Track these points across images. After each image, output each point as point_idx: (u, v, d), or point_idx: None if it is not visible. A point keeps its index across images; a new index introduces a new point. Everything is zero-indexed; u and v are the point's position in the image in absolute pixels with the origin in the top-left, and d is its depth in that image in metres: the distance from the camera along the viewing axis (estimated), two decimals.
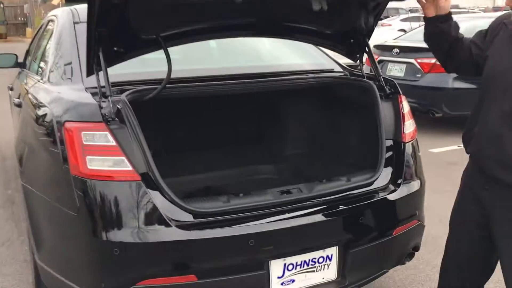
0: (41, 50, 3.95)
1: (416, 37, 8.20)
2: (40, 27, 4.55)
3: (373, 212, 2.65)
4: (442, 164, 6.06)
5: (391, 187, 2.76)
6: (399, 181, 2.78)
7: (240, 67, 3.32)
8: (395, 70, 8.12)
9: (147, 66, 3.09)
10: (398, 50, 8.30)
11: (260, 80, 2.99)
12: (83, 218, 2.28)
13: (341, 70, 3.42)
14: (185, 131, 3.81)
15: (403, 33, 12.32)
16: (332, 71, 3.38)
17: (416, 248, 2.93)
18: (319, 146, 3.71)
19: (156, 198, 2.27)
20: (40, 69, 3.61)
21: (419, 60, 7.93)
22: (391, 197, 2.71)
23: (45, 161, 2.63)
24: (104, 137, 2.28)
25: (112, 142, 2.27)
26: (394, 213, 2.76)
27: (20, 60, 4.95)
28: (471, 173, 2.36)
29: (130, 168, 2.26)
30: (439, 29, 2.29)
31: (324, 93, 3.41)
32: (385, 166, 2.76)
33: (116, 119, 2.33)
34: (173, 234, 2.25)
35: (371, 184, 2.70)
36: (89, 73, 2.51)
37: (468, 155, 2.38)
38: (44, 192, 2.59)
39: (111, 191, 2.24)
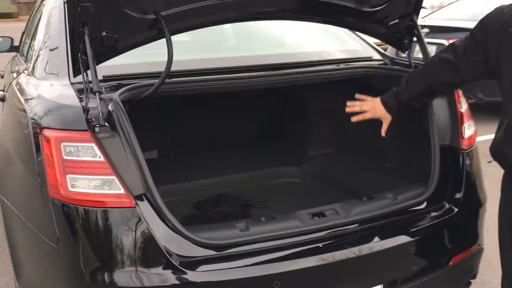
0: (31, 33, 3.45)
1: (448, 15, 7.60)
2: (36, 4, 4.04)
3: (426, 239, 2.14)
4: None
5: (447, 206, 2.23)
6: (457, 196, 2.26)
7: (259, 56, 2.77)
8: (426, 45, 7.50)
9: (151, 55, 2.58)
10: (428, 30, 7.65)
11: (282, 73, 2.45)
12: (63, 251, 1.80)
13: (381, 57, 2.86)
14: (195, 129, 3.30)
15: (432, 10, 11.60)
16: (369, 59, 2.83)
17: (474, 276, 2.41)
18: (350, 146, 3.19)
19: (156, 228, 1.78)
20: (28, 56, 3.12)
21: (450, 41, 7.29)
22: (449, 219, 2.19)
23: (21, 174, 2.15)
24: (89, 150, 1.78)
25: (99, 156, 1.77)
26: (452, 238, 2.24)
27: (17, 43, 4.46)
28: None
29: (122, 190, 1.76)
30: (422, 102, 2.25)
31: (359, 86, 2.86)
32: (440, 180, 2.23)
33: (107, 125, 1.84)
34: (177, 275, 1.76)
35: (423, 202, 2.18)
36: (74, 64, 2.00)
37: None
38: (22, 212, 2.11)
39: (98, 220, 1.75)
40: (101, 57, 2.03)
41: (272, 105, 3.38)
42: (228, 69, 2.46)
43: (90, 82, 1.90)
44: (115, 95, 1.95)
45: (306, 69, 2.56)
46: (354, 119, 2.37)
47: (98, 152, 1.77)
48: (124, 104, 2.16)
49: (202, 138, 3.37)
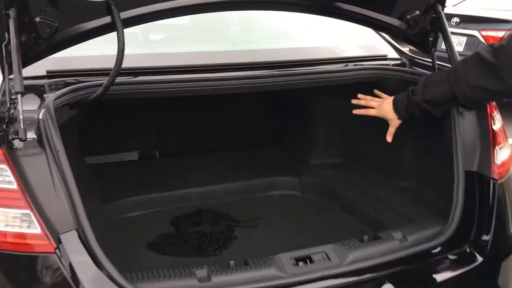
0: None
1: (481, 4, 6.98)
2: None
3: None
4: None
5: (470, 252, 1.77)
6: (483, 240, 1.79)
7: (250, 51, 2.31)
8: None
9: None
10: (458, 20, 7.07)
11: (275, 75, 2.01)
12: None
13: (398, 56, 2.37)
14: (181, 129, 2.90)
15: None
16: (384, 58, 2.34)
17: None
18: (358, 157, 2.73)
19: (84, 278, 1.36)
20: None
21: (483, 33, 6.72)
22: (471, 271, 1.72)
23: None
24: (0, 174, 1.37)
25: (11, 182, 1.36)
26: None
27: None
28: None
29: (38, 229, 1.34)
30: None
31: (371, 89, 2.39)
32: (463, 215, 1.77)
33: (30, 138, 1.42)
34: None
35: (438, 246, 1.72)
36: None
37: None
38: None
39: (4, 270, 1.34)
40: (35, 51, 1.60)
41: (270, 106, 2.93)
42: (211, 67, 2.02)
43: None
44: (49, 99, 1.54)
45: (305, 69, 2.10)
46: (355, 111, 2.13)
47: (11, 177, 1.36)
48: (70, 107, 1.76)
49: (189, 140, 2.96)
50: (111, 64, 1.63)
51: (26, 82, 1.70)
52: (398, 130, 2.40)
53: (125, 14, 1.63)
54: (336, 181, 2.71)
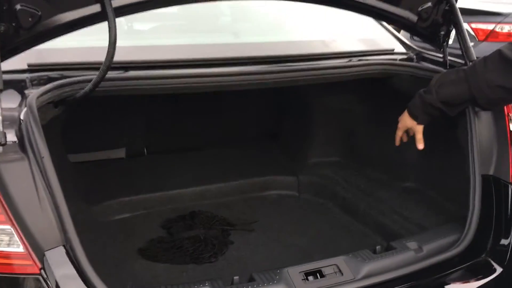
0: None
1: None
2: None
3: None
4: None
5: (487, 261, 1.66)
6: (502, 247, 1.68)
7: (248, 44, 2.15)
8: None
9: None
10: None
11: (273, 70, 1.87)
12: None
13: (405, 51, 2.24)
14: (172, 125, 2.73)
15: None
16: (391, 52, 2.21)
17: None
18: (360, 155, 2.62)
19: None
20: None
21: (473, 25, 6.65)
22: (491, 281, 1.61)
23: None
24: None
25: None
26: None
27: None
28: None
29: (20, 247, 1.18)
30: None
31: (377, 86, 2.26)
32: (480, 223, 1.66)
33: (11, 142, 1.26)
34: None
35: (457, 256, 1.60)
36: None
37: None
38: None
39: None
40: (15, 42, 1.43)
41: (267, 101, 2.79)
42: (207, 61, 1.86)
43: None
44: (31, 97, 1.37)
45: (306, 65, 1.95)
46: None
47: None
48: (55, 105, 1.59)
49: (180, 136, 2.80)
50: (100, 57, 1.47)
51: (5, 77, 1.53)
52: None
53: (117, 2, 1.46)
54: (336, 180, 2.59)
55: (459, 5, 1.92)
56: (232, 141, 2.83)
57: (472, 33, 6.59)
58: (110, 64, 1.43)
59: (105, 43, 1.45)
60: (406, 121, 1.85)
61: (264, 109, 2.86)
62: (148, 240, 2.20)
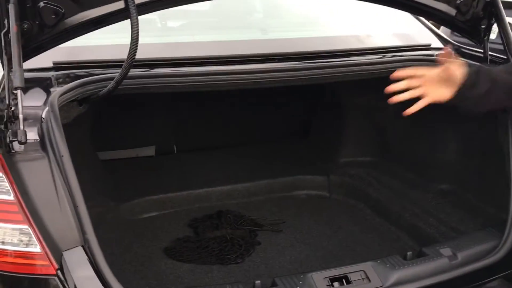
0: None
1: None
2: None
3: None
4: None
5: None
6: None
7: (277, 40, 2.10)
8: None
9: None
10: None
11: (304, 67, 1.82)
12: None
13: (442, 46, 2.14)
14: (202, 123, 2.72)
15: None
16: (427, 47, 2.11)
17: None
18: (394, 155, 2.53)
19: None
20: None
21: None
22: None
23: None
24: None
25: (8, 192, 1.19)
26: None
27: None
28: None
29: (37, 247, 1.17)
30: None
31: None
32: None
33: (33, 140, 1.25)
34: None
35: (495, 264, 1.51)
36: None
37: None
38: None
39: None
40: (39, 40, 1.42)
41: (295, 98, 2.72)
42: (234, 58, 1.82)
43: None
44: (53, 95, 1.36)
45: (338, 61, 1.88)
46: (394, 99, 1.44)
47: (8, 186, 1.19)
48: (79, 103, 1.58)
49: (208, 135, 2.77)
50: (124, 55, 1.44)
51: (31, 75, 1.55)
52: (440, 125, 2.18)
53: None
54: (368, 181, 2.50)
55: None
56: (261, 140, 2.78)
57: None
58: (132, 61, 1.40)
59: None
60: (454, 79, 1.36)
61: (293, 107, 2.80)
62: (175, 239, 2.18)
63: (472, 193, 2.08)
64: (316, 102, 2.75)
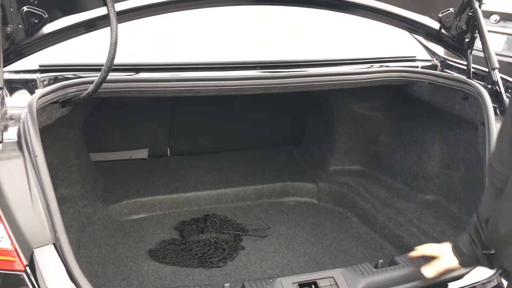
0: None
1: None
2: None
3: None
4: None
5: (499, 280, 1.56)
6: None
7: (260, 49, 2.13)
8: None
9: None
10: (498, 18, 6.68)
11: (292, 75, 1.85)
12: None
13: (429, 57, 2.16)
14: (195, 128, 2.75)
15: None
16: (412, 59, 2.13)
17: None
18: (382, 165, 2.54)
19: None
20: None
21: None
22: None
23: None
24: None
25: None
26: None
27: None
28: None
29: (7, 244, 1.21)
30: None
31: (397, 93, 2.19)
32: None
33: (10, 140, 1.30)
34: None
35: (465, 275, 1.52)
36: None
37: None
38: None
39: None
40: (22, 44, 1.47)
41: (286, 106, 2.75)
42: (215, 64, 1.86)
43: None
44: (32, 97, 1.41)
45: (326, 70, 1.91)
46: None
47: None
48: (62, 105, 1.62)
49: (204, 139, 2.81)
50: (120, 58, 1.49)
51: (17, 76, 1.61)
52: (427, 137, 2.20)
53: (120, 6, 1.47)
54: (356, 189, 2.52)
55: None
56: (252, 146, 2.81)
57: None
58: (111, 65, 1.44)
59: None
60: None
61: (284, 114, 2.83)
62: (160, 241, 2.21)
63: (455, 204, 2.09)
64: (306, 111, 2.78)
